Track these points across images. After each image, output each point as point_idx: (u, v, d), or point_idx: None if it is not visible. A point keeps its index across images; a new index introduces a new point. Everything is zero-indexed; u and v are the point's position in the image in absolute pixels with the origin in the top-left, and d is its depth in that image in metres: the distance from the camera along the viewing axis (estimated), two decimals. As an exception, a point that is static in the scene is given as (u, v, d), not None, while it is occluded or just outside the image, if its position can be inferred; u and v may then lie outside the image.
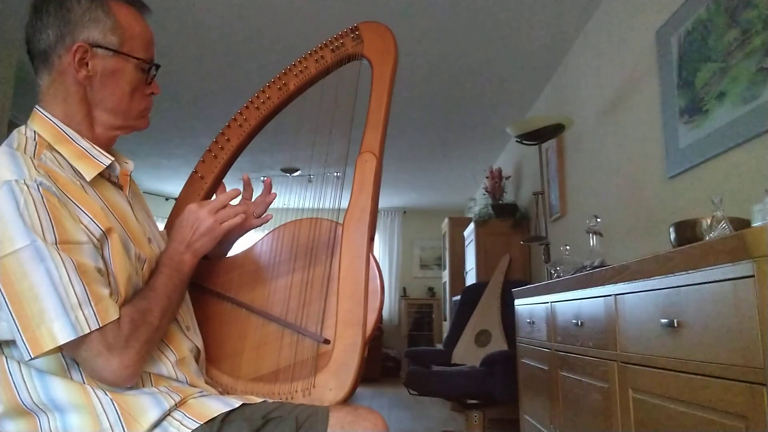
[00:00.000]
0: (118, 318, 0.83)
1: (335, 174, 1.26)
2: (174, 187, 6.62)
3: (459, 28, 3.14)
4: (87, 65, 0.92)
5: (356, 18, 1.22)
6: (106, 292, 0.83)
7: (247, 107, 1.21)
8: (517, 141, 3.25)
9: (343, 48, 1.19)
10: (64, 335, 0.77)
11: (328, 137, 1.38)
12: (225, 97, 4.07)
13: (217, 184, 1.20)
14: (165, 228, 1.16)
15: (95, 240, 0.84)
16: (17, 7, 2.90)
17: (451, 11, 2.96)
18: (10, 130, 3.54)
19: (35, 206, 0.79)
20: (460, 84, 3.89)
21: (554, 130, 3.05)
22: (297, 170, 5.78)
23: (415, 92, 4.02)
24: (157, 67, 1.01)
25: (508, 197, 4.87)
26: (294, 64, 1.21)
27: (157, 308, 0.89)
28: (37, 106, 0.95)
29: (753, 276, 0.92)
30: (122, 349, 0.82)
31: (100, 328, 0.80)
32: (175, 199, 1.22)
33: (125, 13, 0.96)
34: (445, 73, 3.73)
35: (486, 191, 4.88)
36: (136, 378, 0.85)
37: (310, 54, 1.20)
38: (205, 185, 1.18)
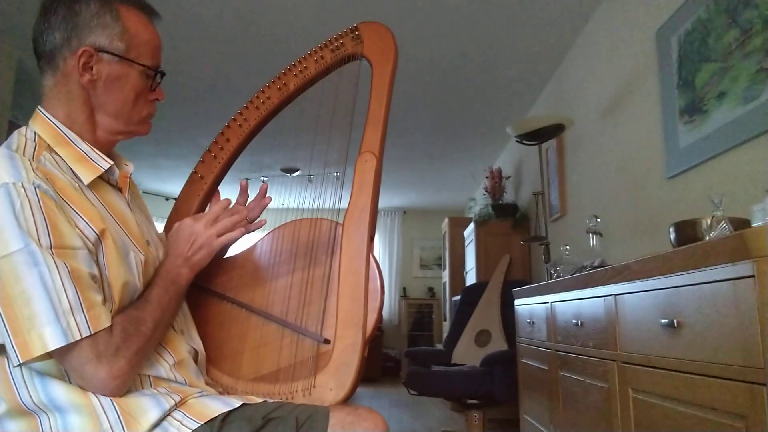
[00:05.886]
0: (110, 326, 0.82)
1: (335, 174, 1.25)
2: (174, 187, 6.62)
3: (459, 29, 3.14)
4: (91, 69, 0.92)
5: (357, 18, 1.22)
6: (99, 298, 0.82)
7: (246, 107, 1.21)
8: (517, 141, 3.25)
9: (343, 48, 1.19)
10: (54, 341, 0.76)
11: (328, 137, 1.38)
12: (225, 97, 4.07)
13: (216, 184, 1.20)
14: (164, 230, 1.16)
15: (90, 245, 0.84)
16: (17, 6, 2.90)
17: (452, 12, 2.96)
18: (10, 130, 3.56)
19: (31, 209, 0.78)
20: (460, 84, 3.89)
21: (554, 130, 3.05)
22: (297, 170, 5.78)
23: (415, 92, 4.01)
24: (163, 74, 1.00)
25: (508, 197, 4.87)
26: (294, 65, 1.21)
27: (151, 319, 0.89)
28: (39, 107, 0.94)
29: (753, 276, 0.92)
30: (112, 358, 0.81)
31: (91, 335, 0.79)
32: (175, 199, 1.22)
33: (134, 19, 0.95)
34: (445, 74, 3.73)
35: (486, 191, 4.88)
36: (124, 388, 0.84)
37: (310, 54, 1.21)
38: (204, 185, 1.18)
